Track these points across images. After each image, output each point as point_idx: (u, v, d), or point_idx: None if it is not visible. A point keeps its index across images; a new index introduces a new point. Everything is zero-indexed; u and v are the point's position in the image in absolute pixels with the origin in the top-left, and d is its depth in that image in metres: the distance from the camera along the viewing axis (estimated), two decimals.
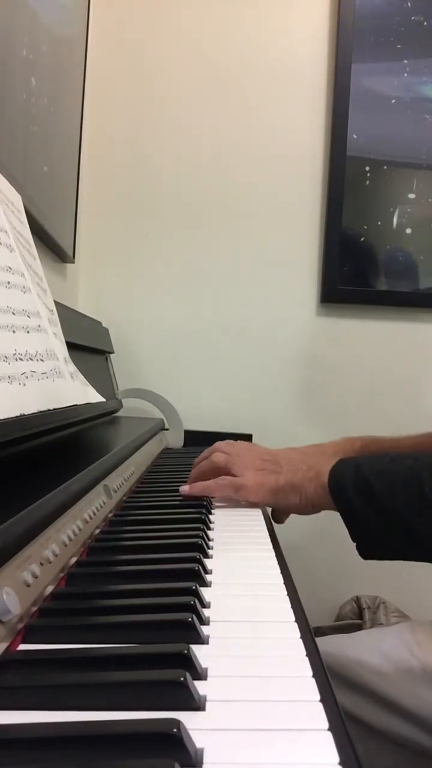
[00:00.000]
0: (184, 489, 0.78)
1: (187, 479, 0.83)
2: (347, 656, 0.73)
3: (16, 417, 0.50)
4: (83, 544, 0.54)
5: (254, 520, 0.72)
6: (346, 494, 0.68)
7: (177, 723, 0.27)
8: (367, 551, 0.68)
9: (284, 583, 0.50)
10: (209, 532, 0.64)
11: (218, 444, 0.84)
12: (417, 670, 0.70)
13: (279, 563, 0.56)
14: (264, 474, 0.77)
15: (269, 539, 0.64)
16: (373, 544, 0.68)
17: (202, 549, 0.56)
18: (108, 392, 1.19)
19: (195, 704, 0.31)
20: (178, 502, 0.75)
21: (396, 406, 1.54)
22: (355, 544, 0.69)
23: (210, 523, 0.68)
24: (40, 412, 0.55)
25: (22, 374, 0.54)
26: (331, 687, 0.34)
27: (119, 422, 1.20)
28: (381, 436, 0.92)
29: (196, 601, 0.42)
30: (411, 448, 0.88)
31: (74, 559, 0.51)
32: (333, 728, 0.30)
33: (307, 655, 0.38)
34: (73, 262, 1.39)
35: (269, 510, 0.81)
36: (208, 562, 0.54)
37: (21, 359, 0.55)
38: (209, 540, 0.62)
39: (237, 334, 1.53)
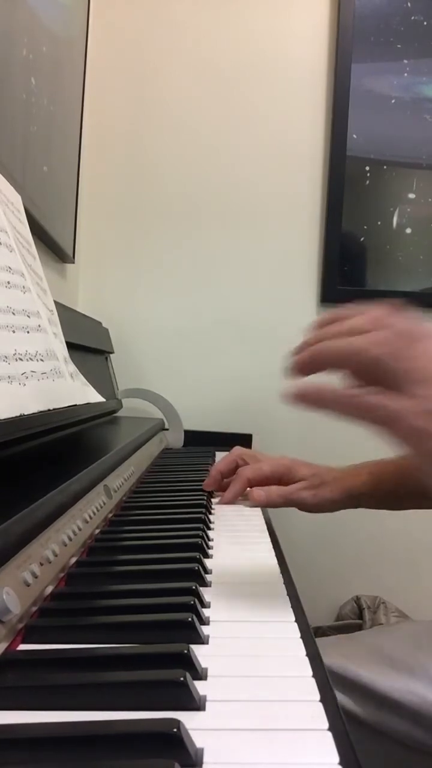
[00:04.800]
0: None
1: (188, 480, 0.81)
2: (347, 656, 0.73)
3: (16, 417, 0.50)
4: (83, 544, 0.54)
5: (254, 520, 0.72)
6: None
7: (177, 723, 0.27)
8: None
9: (284, 583, 0.50)
10: (209, 532, 0.64)
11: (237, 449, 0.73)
12: (417, 670, 0.70)
13: (279, 563, 0.56)
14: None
15: (269, 539, 0.64)
16: None
17: (202, 549, 0.56)
18: (108, 392, 1.19)
19: (195, 704, 0.31)
20: (178, 502, 0.75)
21: None
22: None
23: (210, 523, 0.68)
24: (40, 412, 0.55)
25: (22, 374, 0.54)
26: (331, 687, 0.34)
27: (119, 422, 1.20)
28: (382, 459, 0.80)
29: (196, 601, 0.42)
30: None
31: (74, 559, 0.51)
32: (333, 728, 0.30)
33: (307, 655, 0.38)
34: (73, 262, 1.39)
35: (270, 510, 0.77)
36: (208, 562, 0.54)
37: (21, 359, 0.55)
38: (209, 540, 0.62)
39: (237, 335, 1.53)
